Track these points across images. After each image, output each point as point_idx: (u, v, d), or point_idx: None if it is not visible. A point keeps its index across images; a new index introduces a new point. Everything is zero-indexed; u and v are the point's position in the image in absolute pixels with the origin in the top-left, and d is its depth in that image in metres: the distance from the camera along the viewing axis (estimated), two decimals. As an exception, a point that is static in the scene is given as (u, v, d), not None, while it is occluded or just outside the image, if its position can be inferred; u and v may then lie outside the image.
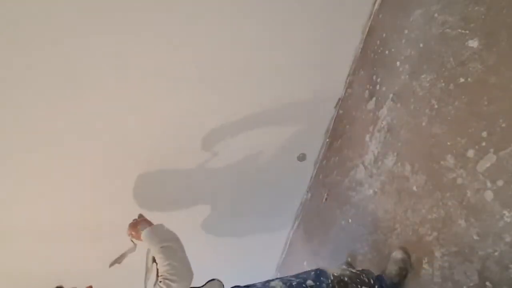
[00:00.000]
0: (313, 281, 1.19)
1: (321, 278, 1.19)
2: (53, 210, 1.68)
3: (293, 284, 1.18)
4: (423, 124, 1.30)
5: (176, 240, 1.13)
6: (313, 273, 1.24)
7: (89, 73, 1.30)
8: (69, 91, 1.32)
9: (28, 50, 1.17)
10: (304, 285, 1.17)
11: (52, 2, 1.10)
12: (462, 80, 1.13)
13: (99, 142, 1.53)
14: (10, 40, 1.13)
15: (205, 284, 1.14)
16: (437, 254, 1.24)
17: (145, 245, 1.20)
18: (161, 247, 1.06)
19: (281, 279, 1.23)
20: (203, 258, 2.44)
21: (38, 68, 1.22)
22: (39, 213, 1.65)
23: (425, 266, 1.30)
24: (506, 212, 0.99)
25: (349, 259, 1.80)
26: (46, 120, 1.37)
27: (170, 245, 1.08)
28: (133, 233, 1.27)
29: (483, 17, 1.06)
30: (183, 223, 2.04)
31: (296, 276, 1.25)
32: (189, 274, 1.05)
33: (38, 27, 1.13)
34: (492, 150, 1.03)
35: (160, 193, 1.88)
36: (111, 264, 1.45)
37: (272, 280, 1.23)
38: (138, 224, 1.27)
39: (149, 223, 1.28)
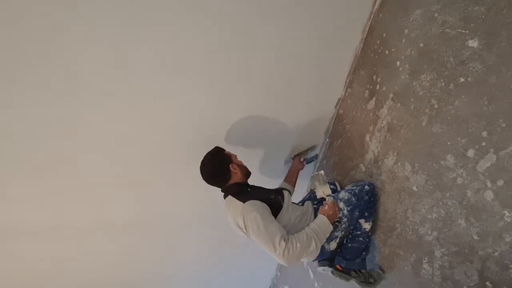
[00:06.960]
0: (368, 185, 1.57)
1: (374, 184, 1.60)
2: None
3: (356, 191, 1.53)
4: (423, 123, 1.30)
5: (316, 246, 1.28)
6: (367, 181, 1.62)
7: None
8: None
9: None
10: (363, 190, 1.54)
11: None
12: (462, 80, 1.13)
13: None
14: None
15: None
16: (437, 254, 1.25)
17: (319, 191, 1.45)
18: (315, 241, 1.26)
19: (345, 189, 1.57)
20: (205, 260, 2.45)
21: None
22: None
23: (425, 266, 1.31)
24: (506, 212, 1.00)
25: None
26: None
27: (316, 245, 1.26)
28: (331, 209, 1.40)
29: (483, 17, 1.05)
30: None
31: (355, 185, 1.60)
32: (289, 261, 1.20)
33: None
34: (492, 150, 1.03)
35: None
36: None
37: (339, 192, 1.58)
38: (336, 212, 1.40)
39: (334, 216, 1.40)
